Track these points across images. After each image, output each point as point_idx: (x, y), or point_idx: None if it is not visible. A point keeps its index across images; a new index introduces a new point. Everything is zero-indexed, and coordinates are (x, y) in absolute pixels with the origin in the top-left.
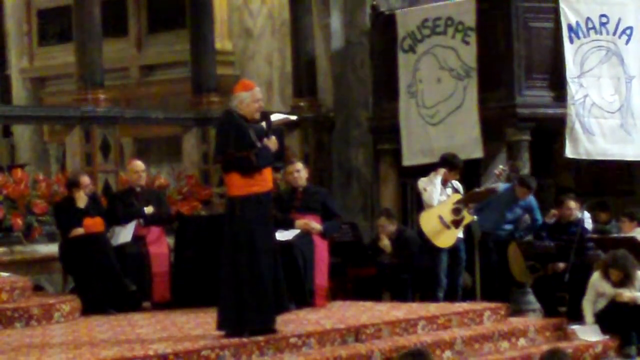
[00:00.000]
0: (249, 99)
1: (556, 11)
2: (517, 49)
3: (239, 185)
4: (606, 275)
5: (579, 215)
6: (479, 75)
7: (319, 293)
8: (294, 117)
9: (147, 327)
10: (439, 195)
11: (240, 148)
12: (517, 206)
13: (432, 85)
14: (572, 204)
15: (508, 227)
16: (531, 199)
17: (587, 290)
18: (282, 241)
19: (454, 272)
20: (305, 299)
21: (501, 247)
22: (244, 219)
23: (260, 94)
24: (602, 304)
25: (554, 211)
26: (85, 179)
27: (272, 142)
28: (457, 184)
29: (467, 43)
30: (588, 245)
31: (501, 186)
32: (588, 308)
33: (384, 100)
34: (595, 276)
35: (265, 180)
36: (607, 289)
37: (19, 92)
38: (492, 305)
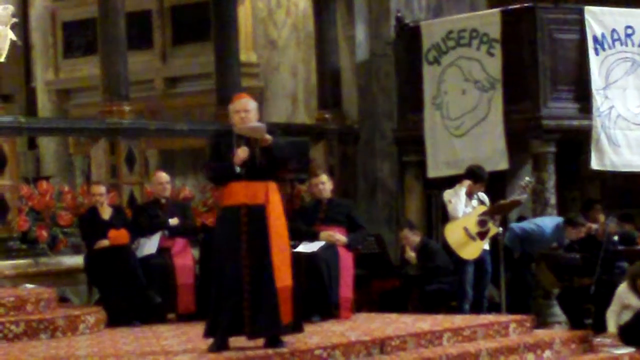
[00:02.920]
0: (231, 111)
1: (581, 23)
2: (542, 61)
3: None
4: (633, 287)
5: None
6: (504, 87)
7: (344, 305)
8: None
9: (171, 338)
10: (464, 207)
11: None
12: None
13: (457, 97)
14: (612, 227)
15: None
16: None
17: (613, 301)
18: (307, 253)
19: (479, 284)
20: (330, 310)
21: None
22: (216, 231)
23: (242, 104)
24: (627, 315)
25: (588, 225)
26: (98, 189)
27: (240, 151)
28: (482, 195)
29: (492, 55)
30: (615, 259)
31: (549, 226)
32: (612, 319)
33: (408, 112)
34: (622, 287)
35: (232, 194)
36: (633, 301)
37: (45, 104)
38: (518, 317)
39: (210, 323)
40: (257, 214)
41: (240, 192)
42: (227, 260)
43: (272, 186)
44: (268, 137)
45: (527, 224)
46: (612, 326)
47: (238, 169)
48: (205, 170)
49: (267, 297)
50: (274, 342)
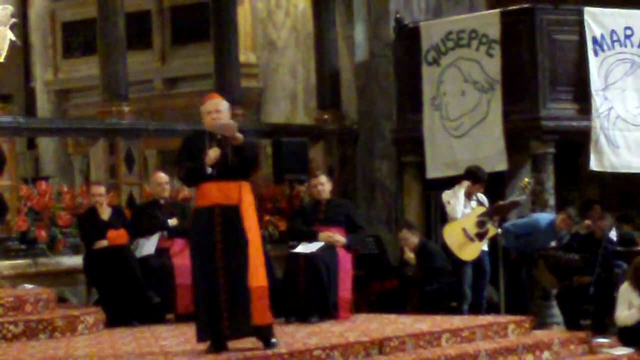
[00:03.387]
0: (202, 112)
1: (581, 24)
2: (541, 62)
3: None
4: (637, 285)
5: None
6: (503, 87)
7: (342, 305)
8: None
9: (170, 339)
10: (463, 207)
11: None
12: (555, 236)
13: (456, 97)
14: (607, 223)
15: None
16: None
17: (618, 302)
18: (306, 254)
19: (478, 285)
20: (329, 311)
21: (527, 260)
22: (191, 233)
23: (214, 105)
24: (633, 314)
25: (587, 222)
26: (97, 189)
27: (212, 152)
28: (481, 196)
29: (491, 56)
30: (614, 259)
31: (542, 220)
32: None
33: (408, 112)
34: (624, 287)
35: (205, 195)
36: (636, 300)
37: (44, 105)
38: (517, 318)
39: (200, 326)
40: (231, 215)
41: (213, 193)
42: (202, 262)
43: (245, 186)
44: (239, 135)
45: (519, 220)
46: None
47: (209, 170)
48: (176, 170)
49: (242, 298)
50: (266, 343)
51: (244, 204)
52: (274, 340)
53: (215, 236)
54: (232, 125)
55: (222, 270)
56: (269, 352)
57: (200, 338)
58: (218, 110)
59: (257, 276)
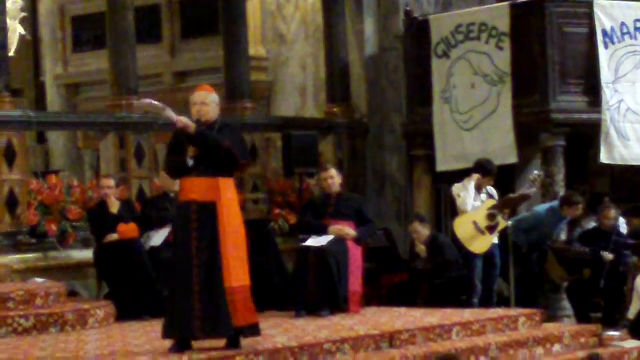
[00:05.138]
0: (190, 103)
1: (590, 16)
2: (551, 55)
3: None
4: None
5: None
6: (513, 80)
7: (353, 299)
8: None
9: None
10: (473, 201)
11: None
12: (562, 224)
13: (466, 90)
14: (613, 213)
15: (549, 241)
16: None
17: (634, 298)
18: (316, 247)
19: (488, 278)
20: (339, 305)
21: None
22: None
23: (201, 97)
24: None
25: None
26: (107, 182)
27: (190, 150)
28: (491, 189)
29: (501, 49)
30: (624, 252)
31: (541, 209)
32: None
33: (417, 106)
34: (639, 280)
35: (185, 190)
36: None
37: (54, 99)
38: (527, 311)
39: (167, 323)
40: (208, 211)
41: (191, 189)
42: (178, 258)
43: (226, 182)
44: (188, 123)
45: (522, 215)
46: None
47: (190, 162)
48: (164, 163)
49: (216, 298)
50: (232, 343)
51: (223, 201)
52: (240, 341)
53: (191, 233)
54: (158, 106)
55: (196, 268)
56: (279, 345)
57: (166, 335)
58: (204, 103)
59: (237, 275)
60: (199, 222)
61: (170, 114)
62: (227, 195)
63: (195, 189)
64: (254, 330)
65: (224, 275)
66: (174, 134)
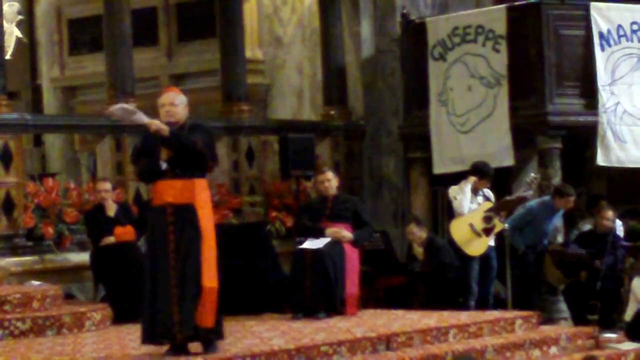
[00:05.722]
0: (158, 105)
1: (587, 19)
2: (547, 57)
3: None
4: None
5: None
6: (509, 83)
7: (349, 301)
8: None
9: None
10: (470, 203)
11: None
12: (555, 217)
13: (462, 93)
14: (610, 215)
15: (546, 241)
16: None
17: (630, 300)
18: (312, 249)
19: (485, 281)
20: (335, 307)
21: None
22: (147, 233)
23: (169, 98)
24: None
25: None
26: (103, 185)
27: (163, 152)
28: (488, 192)
29: (497, 51)
30: (621, 254)
31: (533, 202)
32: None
33: (414, 108)
34: (636, 281)
35: (158, 193)
36: None
37: (50, 102)
38: (524, 313)
39: (145, 327)
40: (184, 214)
41: (166, 191)
42: (154, 262)
43: (200, 184)
44: (161, 126)
45: (514, 214)
46: None
47: (164, 165)
48: (134, 166)
49: (192, 298)
50: (207, 345)
51: (199, 202)
52: (216, 343)
53: (168, 236)
54: (130, 110)
55: (174, 270)
56: (275, 347)
57: (145, 340)
58: (172, 104)
59: (210, 276)
60: (176, 225)
61: (141, 117)
62: (202, 196)
63: (170, 191)
64: (218, 333)
65: (202, 275)
66: (142, 138)
